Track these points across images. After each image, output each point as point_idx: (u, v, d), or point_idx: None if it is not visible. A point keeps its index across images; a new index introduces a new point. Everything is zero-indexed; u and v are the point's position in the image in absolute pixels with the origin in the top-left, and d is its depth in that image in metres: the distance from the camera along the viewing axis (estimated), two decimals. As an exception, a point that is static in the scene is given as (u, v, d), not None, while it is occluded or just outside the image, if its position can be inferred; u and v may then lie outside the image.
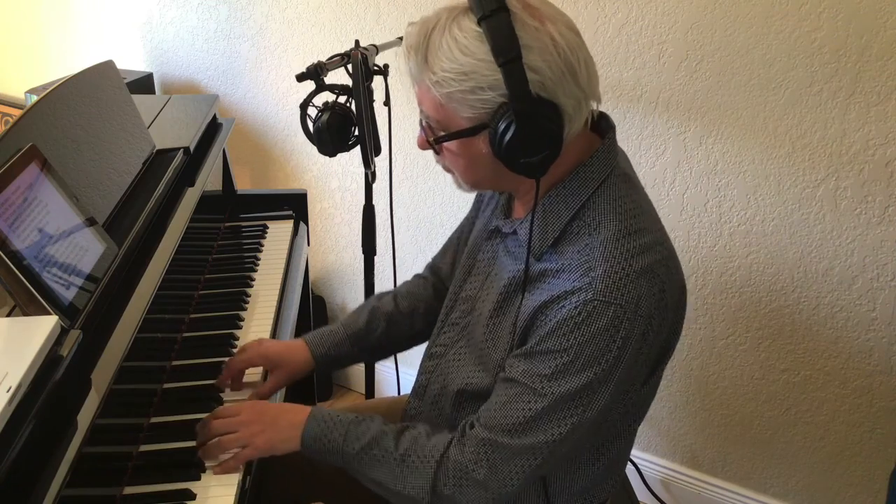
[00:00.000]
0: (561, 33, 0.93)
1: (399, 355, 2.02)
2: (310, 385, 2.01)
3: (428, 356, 1.23)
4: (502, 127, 0.93)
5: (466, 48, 0.92)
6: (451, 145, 1.01)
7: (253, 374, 1.34)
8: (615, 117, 1.74)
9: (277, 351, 1.34)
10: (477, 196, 1.31)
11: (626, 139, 1.76)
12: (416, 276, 1.44)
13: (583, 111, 0.98)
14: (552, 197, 1.03)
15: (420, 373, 1.24)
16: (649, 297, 0.97)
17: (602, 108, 1.09)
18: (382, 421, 1.13)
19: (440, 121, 0.99)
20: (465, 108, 0.95)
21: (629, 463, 2.02)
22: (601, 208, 1.01)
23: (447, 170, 1.08)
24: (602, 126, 1.08)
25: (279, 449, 1.14)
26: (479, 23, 0.91)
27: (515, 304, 1.06)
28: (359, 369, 2.39)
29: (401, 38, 1.69)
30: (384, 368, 2.32)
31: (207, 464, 1.13)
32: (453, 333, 1.19)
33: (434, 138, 1.01)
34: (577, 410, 0.99)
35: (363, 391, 2.11)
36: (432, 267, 1.43)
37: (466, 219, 1.34)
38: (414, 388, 1.26)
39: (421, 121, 1.04)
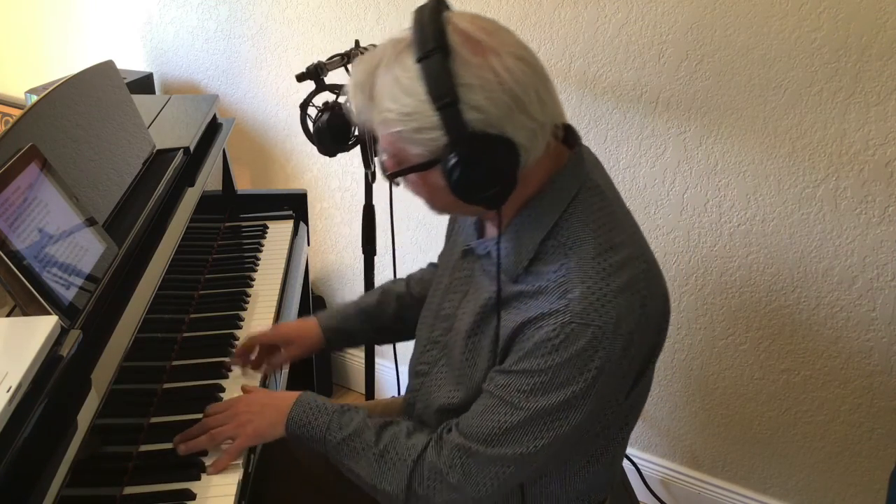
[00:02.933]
0: (506, 66, 0.90)
1: (399, 355, 2.02)
2: (310, 385, 2.01)
3: (414, 374, 1.23)
4: (450, 164, 0.91)
5: (408, 88, 0.91)
6: (410, 177, 1.00)
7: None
8: (615, 117, 1.75)
9: (291, 328, 1.40)
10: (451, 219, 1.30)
11: (626, 139, 1.76)
12: (430, 265, 1.45)
13: (538, 140, 0.95)
14: (524, 217, 1.01)
15: (407, 391, 1.25)
16: (629, 313, 0.96)
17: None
18: (366, 413, 1.14)
19: (395, 155, 0.98)
20: (414, 146, 0.94)
21: (629, 463, 2.02)
22: (575, 226, 0.99)
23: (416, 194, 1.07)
24: (569, 138, 1.05)
25: (267, 434, 1.16)
26: (418, 62, 0.90)
27: (492, 324, 1.05)
28: (359, 369, 2.39)
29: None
30: (384, 368, 2.32)
31: (206, 463, 1.13)
32: (435, 352, 1.18)
33: (391, 173, 1.00)
34: (554, 425, 0.99)
35: (363, 391, 2.11)
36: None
37: (447, 231, 1.34)
38: (402, 406, 1.27)
39: (378, 153, 1.02)
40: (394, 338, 1.49)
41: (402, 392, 1.91)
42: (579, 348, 0.94)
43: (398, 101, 0.92)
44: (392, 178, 1.01)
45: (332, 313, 1.40)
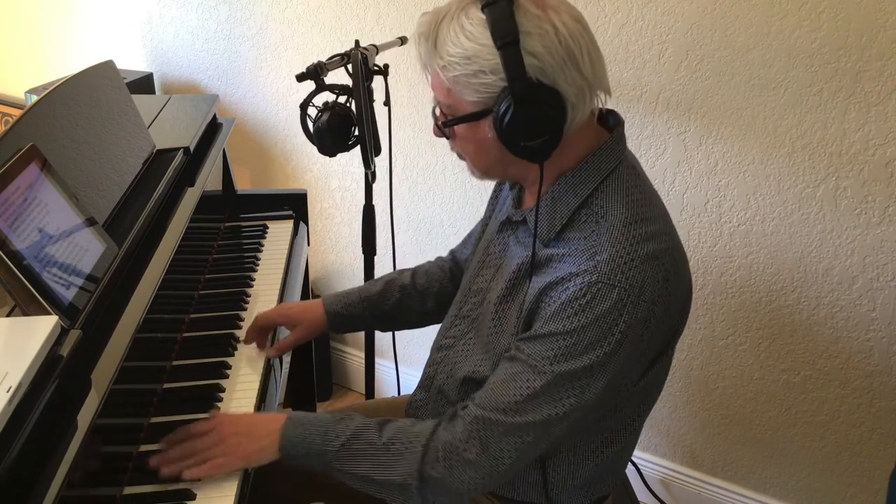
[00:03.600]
0: (563, 22, 0.96)
1: (399, 355, 2.02)
2: (310, 385, 2.01)
3: (437, 348, 1.24)
4: (503, 109, 0.96)
5: (471, 34, 0.97)
6: (460, 130, 1.04)
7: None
8: (615, 117, 1.75)
9: (296, 310, 1.43)
10: (492, 197, 1.32)
11: (626, 139, 1.76)
12: (438, 258, 1.48)
13: (586, 100, 1.00)
14: (560, 185, 1.05)
15: (427, 365, 1.25)
16: (653, 283, 0.98)
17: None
18: (362, 416, 1.12)
19: (450, 105, 1.03)
20: (470, 92, 0.99)
21: (629, 463, 2.02)
22: (609, 197, 1.03)
23: (460, 156, 1.11)
24: (611, 122, 1.11)
25: (255, 460, 1.12)
26: (482, 9, 0.96)
27: (523, 289, 1.08)
28: (359, 369, 2.39)
29: (401, 38, 1.70)
30: (384, 368, 2.32)
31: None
32: (464, 326, 1.20)
33: (443, 122, 1.05)
34: (575, 391, 1.00)
35: (363, 391, 2.11)
36: (454, 252, 1.47)
37: (484, 217, 1.37)
38: (420, 381, 1.26)
39: (433, 108, 1.08)
40: (394, 326, 1.50)
41: (402, 392, 1.92)
42: (605, 309, 0.97)
43: (461, 45, 0.97)
44: (444, 126, 1.05)
45: (336, 298, 1.43)
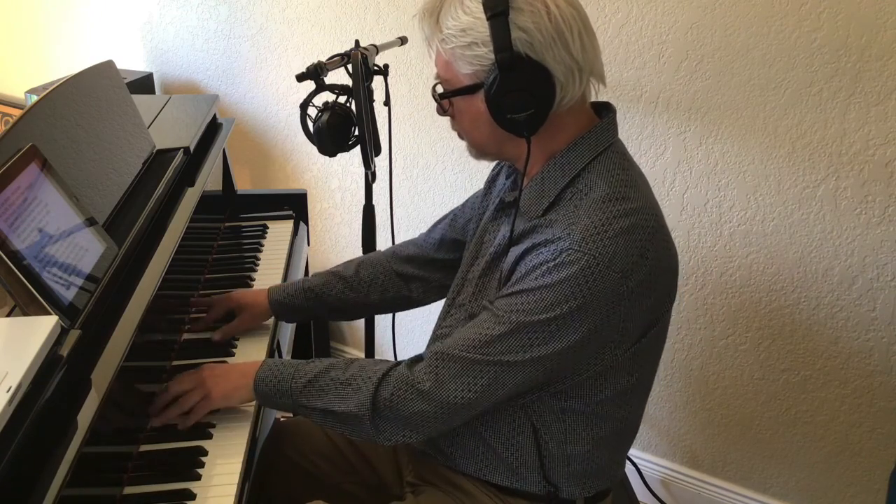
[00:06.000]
0: (557, 4, 1.01)
1: (399, 355, 2.02)
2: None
3: (434, 338, 1.26)
4: (490, 79, 1.02)
5: (468, 8, 1.03)
6: (458, 105, 1.10)
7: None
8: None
9: (243, 295, 1.47)
10: (483, 193, 1.33)
11: (626, 139, 1.75)
12: (389, 249, 1.50)
13: (576, 81, 1.04)
14: (550, 165, 1.09)
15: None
16: (625, 255, 1.01)
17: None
18: (334, 359, 1.18)
19: (448, 80, 1.08)
20: (464, 64, 1.04)
21: (629, 462, 2.02)
22: (594, 177, 1.08)
23: (460, 136, 1.16)
24: (603, 112, 1.14)
25: (234, 398, 1.20)
26: None
27: (502, 261, 1.12)
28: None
29: (401, 38, 1.70)
30: (384, 368, 2.32)
31: (204, 461, 1.13)
32: (459, 314, 1.21)
33: (440, 94, 1.10)
34: (535, 343, 1.03)
35: (363, 391, 2.11)
36: (398, 247, 1.49)
37: (462, 206, 1.41)
38: None
39: (434, 86, 1.12)
40: (341, 317, 1.53)
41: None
42: (570, 274, 1.00)
43: (458, 18, 1.03)
44: (441, 99, 1.10)
45: (281, 287, 1.47)
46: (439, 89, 1.11)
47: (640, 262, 1.02)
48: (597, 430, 1.15)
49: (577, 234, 1.01)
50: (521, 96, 1.01)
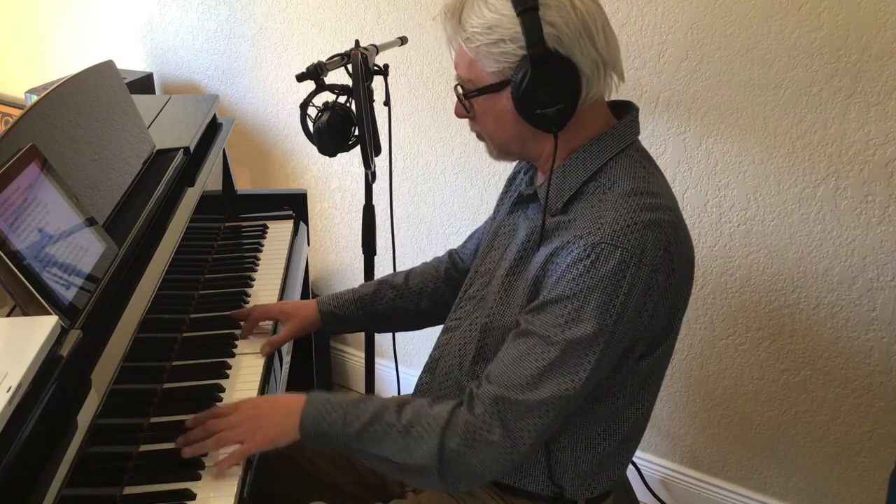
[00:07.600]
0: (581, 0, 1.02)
1: (399, 355, 2.02)
2: (310, 385, 2.01)
3: (443, 331, 1.25)
4: (520, 76, 1.01)
5: (493, 6, 1.02)
6: (480, 105, 1.09)
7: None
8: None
9: (290, 305, 1.48)
10: (502, 193, 1.33)
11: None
12: (435, 259, 1.49)
13: (601, 75, 1.04)
14: (572, 160, 1.09)
15: (433, 348, 1.26)
16: (654, 248, 1.01)
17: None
18: (381, 398, 1.13)
19: (471, 80, 1.08)
20: (490, 62, 1.04)
21: (629, 463, 2.02)
22: (617, 172, 1.08)
23: (480, 137, 1.15)
24: (623, 111, 1.15)
25: (279, 441, 1.13)
26: None
27: (531, 259, 1.11)
28: (359, 369, 2.39)
29: (401, 38, 1.70)
30: (384, 368, 2.32)
31: (207, 464, 1.13)
32: (470, 307, 1.21)
33: (464, 93, 1.09)
34: (588, 359, 1.01)
35: (363, 391, 2.11)
36: (452, 252, 1.48)
37: (493, 214, 1.38)
38: (426, 363, 1.26)
39: (455, 87, 1.11)
40: (389, 328, 1.52)
41: (402, 392, 1.92)
42: (609, 270, 0.99)
43: (483, 16, 1.03)
44: (466, 98, 1.09)
45: (331, 298, 1.45)
46: (461, 90, 1.10)
47: (666, 256, 1.02)
48: (610, 433, 1.15)
49: (607, 227, 1.01)
50: (550, 91, 1.01)
